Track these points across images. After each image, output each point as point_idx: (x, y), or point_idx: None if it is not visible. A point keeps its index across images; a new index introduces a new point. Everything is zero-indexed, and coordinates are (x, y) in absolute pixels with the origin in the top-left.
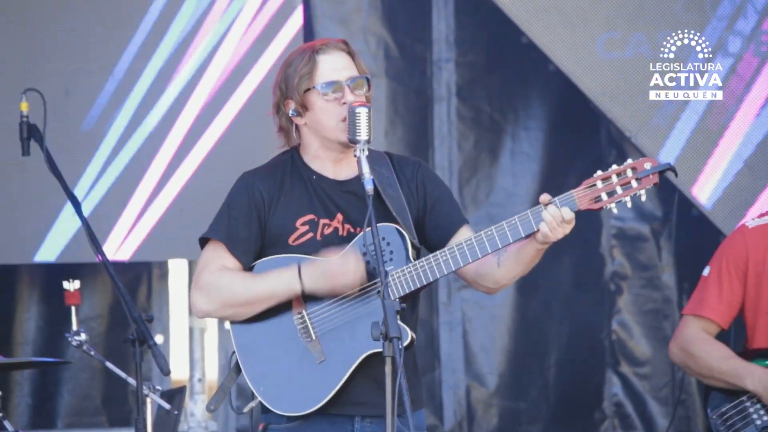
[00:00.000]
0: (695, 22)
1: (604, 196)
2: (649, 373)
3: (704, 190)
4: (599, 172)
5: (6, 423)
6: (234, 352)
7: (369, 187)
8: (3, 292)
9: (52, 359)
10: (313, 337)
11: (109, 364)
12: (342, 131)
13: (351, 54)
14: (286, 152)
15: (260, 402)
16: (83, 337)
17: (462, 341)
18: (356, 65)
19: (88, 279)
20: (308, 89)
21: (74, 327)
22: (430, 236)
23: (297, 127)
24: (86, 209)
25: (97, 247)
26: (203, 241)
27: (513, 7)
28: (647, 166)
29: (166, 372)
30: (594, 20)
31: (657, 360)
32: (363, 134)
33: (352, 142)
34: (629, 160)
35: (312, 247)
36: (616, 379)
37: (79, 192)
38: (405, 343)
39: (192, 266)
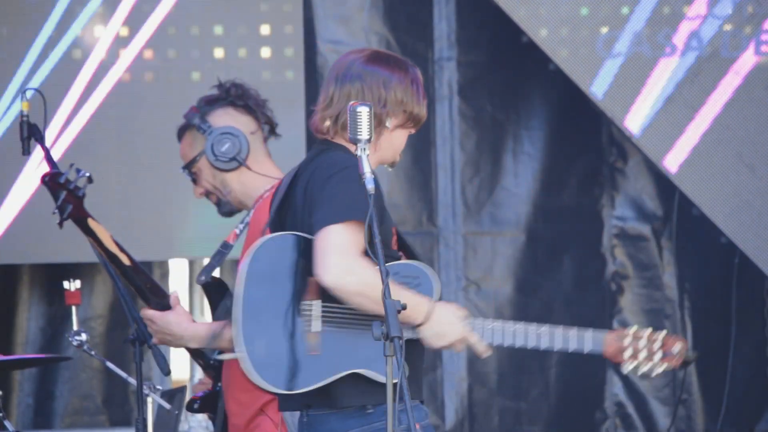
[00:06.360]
0: (695, 21)
1: (626, 354)
2: None
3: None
4: (635, 327)
5: (6, 423)
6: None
7: (370, 186)
8: (3, 292)
9: (52, 355)
10: (318, 329)
11: (109, 364)
12: None
13: None
14: None
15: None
16: (84, 337)
17: None
18: None
19: (89, 279)
20: None
21: (75, 327)
22: None
23: None
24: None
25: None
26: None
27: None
28: (675, 349)
29: (166, 372)
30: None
31: None
32: (364, 133)
33: (353, 141)
34: (664, 332)
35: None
36: (616, 379)
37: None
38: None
39: (192, 266)
